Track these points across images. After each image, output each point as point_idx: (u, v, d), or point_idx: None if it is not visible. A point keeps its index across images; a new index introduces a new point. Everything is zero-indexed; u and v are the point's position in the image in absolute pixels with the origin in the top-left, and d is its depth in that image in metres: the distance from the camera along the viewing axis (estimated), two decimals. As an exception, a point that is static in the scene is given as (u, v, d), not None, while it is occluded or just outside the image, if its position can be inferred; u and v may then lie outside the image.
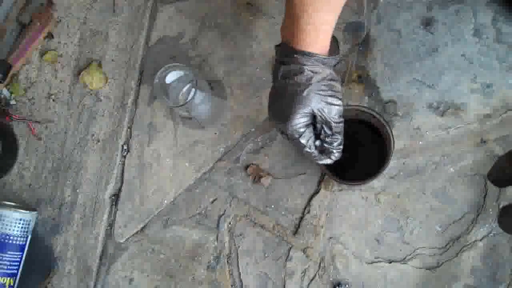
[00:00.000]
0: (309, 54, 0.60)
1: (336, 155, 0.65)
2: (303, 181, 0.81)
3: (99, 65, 0.90)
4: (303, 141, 0.63)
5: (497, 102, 0.79)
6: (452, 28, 0.82)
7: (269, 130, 0.84)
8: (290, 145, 0.82)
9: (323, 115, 0.61)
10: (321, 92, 0.61)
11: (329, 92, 0.61)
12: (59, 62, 0.91)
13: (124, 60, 0.90)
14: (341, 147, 0.65)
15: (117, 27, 0.92)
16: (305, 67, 0.60)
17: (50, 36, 0.93)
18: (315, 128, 0.64)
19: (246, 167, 0.83)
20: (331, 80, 0.62)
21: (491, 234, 0.75)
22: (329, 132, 0.62)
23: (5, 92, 0.90)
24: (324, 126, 0.62)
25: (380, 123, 0.73)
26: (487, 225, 0.75)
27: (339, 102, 0.62)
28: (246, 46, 0.87)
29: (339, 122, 0.63)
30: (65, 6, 0.94)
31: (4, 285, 0.77)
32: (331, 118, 0.62)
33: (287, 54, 0.61)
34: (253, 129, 0.84)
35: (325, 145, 0.64)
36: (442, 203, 0.77)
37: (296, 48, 0.61)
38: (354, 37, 0.83)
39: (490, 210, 0.76)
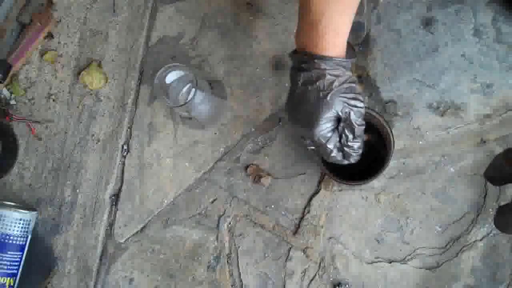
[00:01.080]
0: (329, 58, 0.60)
1: (356, 158, 0.65)
2: (303, 181, 0.81)
3: (99, 65, 0.90)
4: (330, 146, 0.63)
5: (497, 102, 0.79)
6: (452, 28, 0.82)
7: (269, 130, 0.84)
8: (290, 145, 0.82)
9: (348, 118, 0.61)
10: (344, 95, 0.60)
11: (352, 95, 0.61)
12: (59, 62, 0.91)
13: (124, 60, 0.90)
14: (361, 150, 0.65)
15: (117, 27, 0.92)
16: (326, 71, 0.60)
17: (50, 36, 0.93)
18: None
19: (246, 167, 0.83)
20: (351, 82, 0.62)
21: (491, 234, 0.75)
22: (351, 136, 0.62)
23: (5, 92, 0.90)
24: (346, 129, 0.62)
25: (380, 123, 0.73)
26: (487, 225, 0.75)
27: (361, 104, 0.62)
28: (246, 46, 0.87)
29: (361, 125, 0.63)
30: (65, 6, 0.94)
31: (4, 285, 0.77)
32: (356, 121, 0.61)
33: (306, 61, 0.61)
34: (253, 129, 0.84)
35: (346, 148, 0.63)
36: (442, 203, 0.77)
37: (315, 53, 0.60)
38: (354, 37, 0.83)
39: (490, 210, 0.76)
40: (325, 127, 0.61)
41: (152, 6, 0.92)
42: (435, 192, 0.78)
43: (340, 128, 0.62)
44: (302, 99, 0.63)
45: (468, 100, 0.79)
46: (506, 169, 0.51)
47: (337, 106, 0.60)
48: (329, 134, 0.62)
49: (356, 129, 0.62)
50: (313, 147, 0.67)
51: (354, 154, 0.64)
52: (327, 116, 0.61)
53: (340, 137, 0.63)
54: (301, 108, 0.63)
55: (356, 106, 0.61)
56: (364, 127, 0.63)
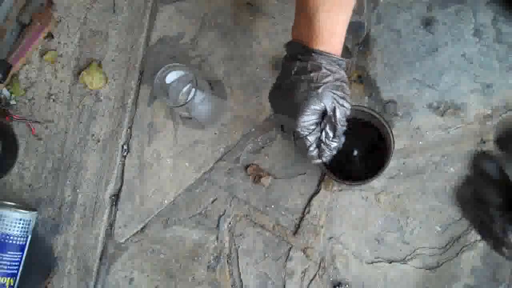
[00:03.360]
0: (326, 54, 0.60)
1: (328, 158, 0.65)
2: (303, 181, 0.81)
3: (99, 65, 0.90)
4: (310, 138, 0.62)
5: (497, 102, 0.79)
6: (452, 28, 0.82)
7: (269, 130, 0.84)
8: (290, 145, 0.82)
9: (333, 115, 0.61)
10: (334, 92, 0.61)
11: (341, 94, 0.61)
12: (59, 62, 0.92)
13: (124, 60, 0.90)
14: (336, 151, 0.65)
15: (117, 27, 0.92)
16: (322, 65, 0.60)
17: (50, 36, 0.93)
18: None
19: (246, 167, 0.83)
20: (343, 82, 0.62)
21: (491, 234, 0.75)
22: (331, 133, 0.62)
23: (5, 92, 0.90)
24: (327, 126, 0.62)
25: (380, 123, 0.73)
26: (487, 225, 0.75)
27: (348, 105, 0.62)
28: (246, 46, 0.87)
29: (343, 126, 0.63)
30: (65, 6, 0.94)
31: (4, 285, 0.77)
32: (339, 120, 0.61)
33: (303, 53, 0.61)
34: (253, 129, 0.84)
35: (323, 145, 0.63)
36: (442, 203, 0.77)
37: (312, 47, 0.61)
38: (354, 37, 0.83)
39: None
40: (309, 118, 0.61)
41: (152, 6, 0.92)
42: (435, 192, 0.78)
43: (322, 124, 0.62)
44: (293, 88, 0.62)
45: (468, 100, 0.79)
46: None
47: (325, 100, 0.60)
48: (312, 127, 0.62)
49: (338, 128, 0.62)
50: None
51: (329, 153, 0.64)
52: (314, 108, 0.60)
53: (321, 133, 0.63)
54: (290, 96, 0.62)
55: (343, 106, 0.61)
56: (345, 128, 0.63)
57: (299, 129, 0.62)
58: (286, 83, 0.63)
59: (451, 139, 0.79)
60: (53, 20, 0.92)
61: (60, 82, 0.91)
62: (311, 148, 0.63)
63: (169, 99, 0.76)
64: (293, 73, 0.62)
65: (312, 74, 0.61)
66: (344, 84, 0.62)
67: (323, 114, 0.62)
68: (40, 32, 0.92)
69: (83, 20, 0.93)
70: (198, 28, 0.89)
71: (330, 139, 0.63)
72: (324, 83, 0.60)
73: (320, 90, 0.60)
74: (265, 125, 0.84)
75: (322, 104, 0.60)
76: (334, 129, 0.62)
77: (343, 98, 0.61)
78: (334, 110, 0.61)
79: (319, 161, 0.65)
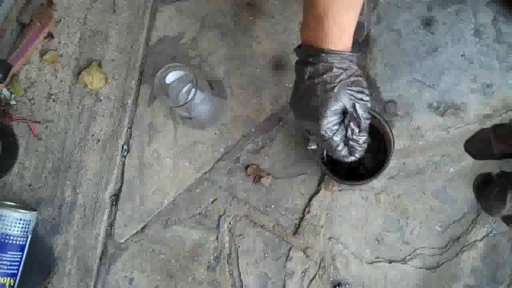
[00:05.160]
0: (335, 52, 0.60)
1: (360, 153, 0.65)
2: (303, 181, 0.81)
3: (99, 65, 0.90)
4: (336, 139, 0.62)
5: (497, 102, 0.79)
6: (452, 28, 0.82)
7: (269, 130, 0.84)
8: (290, 145, 0.83)
9: (354, 111, 0.61)
10: (350, 88, 0.60)
11: (358, 88, 0.61)
12: (59, 62, 0.91)
13: (124, 60, 0.90)
14: (366, 145, 0.65)
15: (117, 27, 0.92)
16: (333, 64, 0.60)
17: (50, 36, 0.93)
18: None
19: (246, 167, 0.83)
20: (358, 76, 0.61)
21: (491, 234, 0.75)
22: (356, 129, 0.62)
23: (5, 92, 0.90)
24: (351, 123, 0.62)
25: (380, 123, 0.73)
26: (487, 225, 0.75)
27: (367, 98, 0.62)
28: (246, 46, 0.87)
29: (366, 119, 0.62)
30: (65, 6, 0.94)
31: (4, 285, 0.77)
32: (362, 115, 0.61)
33: (313, 54, 0.61)
34: (253, 129, 0.84)
35: (351, 142, 0.63)
36: (442, 203, 0.77)
37: (321, 47, 0.61)
38: (354, 37, 0.83)
39: (490, 210, 0.76)
40: (331, 119, 0.61)
41: (152, 6, 0.92)
42: (435, 192, 0.78)
43: (346, 121, 0.62)
44: (309, 92, 0.62)
45: (468, 100, 0.79)
46: (494, 146, 0.49)
47: (343, 99, 0.60)
48: (335, 127, 0.62)
49: (361, 123, 0.62)
50: (313, 147, 0.66)
51: (359, 148, 0.64)
52: (333, 109, 0.60)
53: (346, 130, 0.62)
54: (307, 101, 0.62)
55: (362, 100, 0.61)
56: (369, 121, 0.63)
57: (323, 132, 0.61)
58: (302, 88, 0.63)
59: (451, 139, 0.79)
60: (53, 20, 0.92)
61: (60, 82, 0.91)
62: (339, 148, 0.63)
63: (169, 99, 0.76)
64: (306, 77, 0.62)
65: (325, 76, 0.60)
66: (360, 78, 0.62)
67: (344, 112, 0.61)
68: (40, 32, 0.91)
69: (83, 20, 0.93)
70: (198, 28, 0.89)
71: (357, 134, 0.62)
72: (338, 82, 0.60)
73: (335, 90, 0.60)
74: (265, 125, 0.84)
75: (341, 104, 0.60)
76: (358, 124, 0.62)
77: (360, 92, 0.61)
78: (354, 107, 0.61)
79: (353, 158, 0.65)
